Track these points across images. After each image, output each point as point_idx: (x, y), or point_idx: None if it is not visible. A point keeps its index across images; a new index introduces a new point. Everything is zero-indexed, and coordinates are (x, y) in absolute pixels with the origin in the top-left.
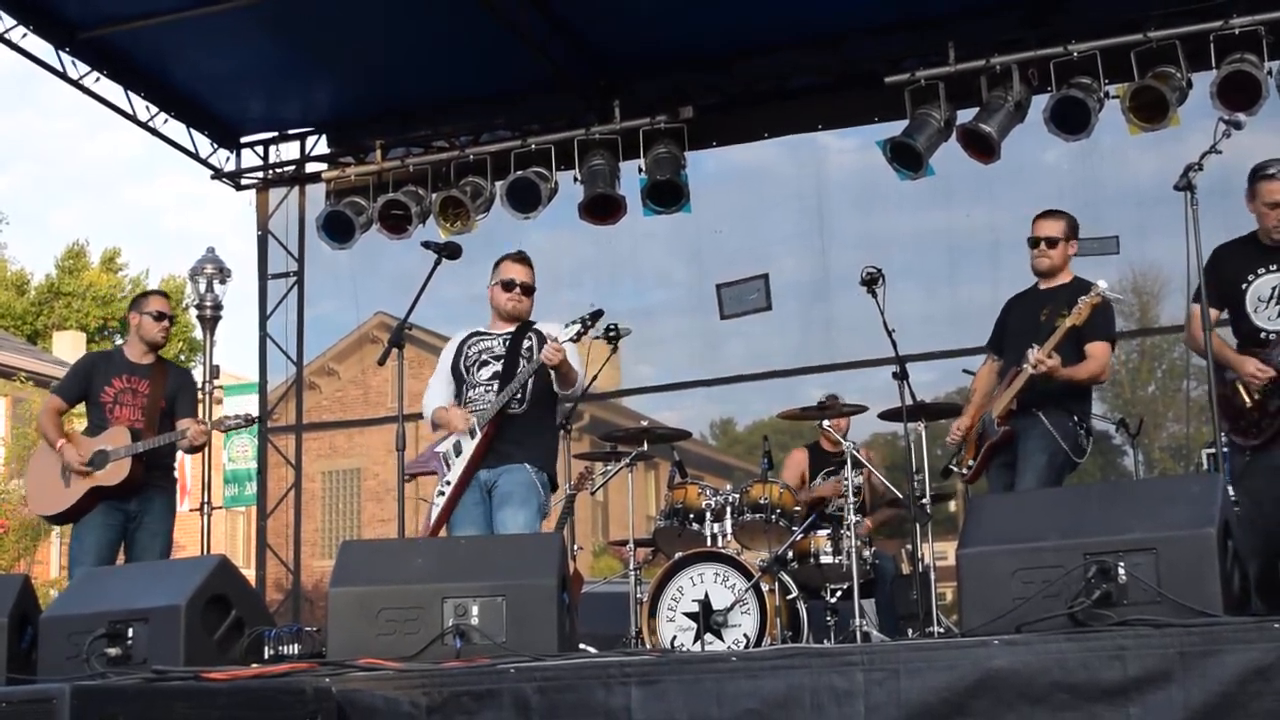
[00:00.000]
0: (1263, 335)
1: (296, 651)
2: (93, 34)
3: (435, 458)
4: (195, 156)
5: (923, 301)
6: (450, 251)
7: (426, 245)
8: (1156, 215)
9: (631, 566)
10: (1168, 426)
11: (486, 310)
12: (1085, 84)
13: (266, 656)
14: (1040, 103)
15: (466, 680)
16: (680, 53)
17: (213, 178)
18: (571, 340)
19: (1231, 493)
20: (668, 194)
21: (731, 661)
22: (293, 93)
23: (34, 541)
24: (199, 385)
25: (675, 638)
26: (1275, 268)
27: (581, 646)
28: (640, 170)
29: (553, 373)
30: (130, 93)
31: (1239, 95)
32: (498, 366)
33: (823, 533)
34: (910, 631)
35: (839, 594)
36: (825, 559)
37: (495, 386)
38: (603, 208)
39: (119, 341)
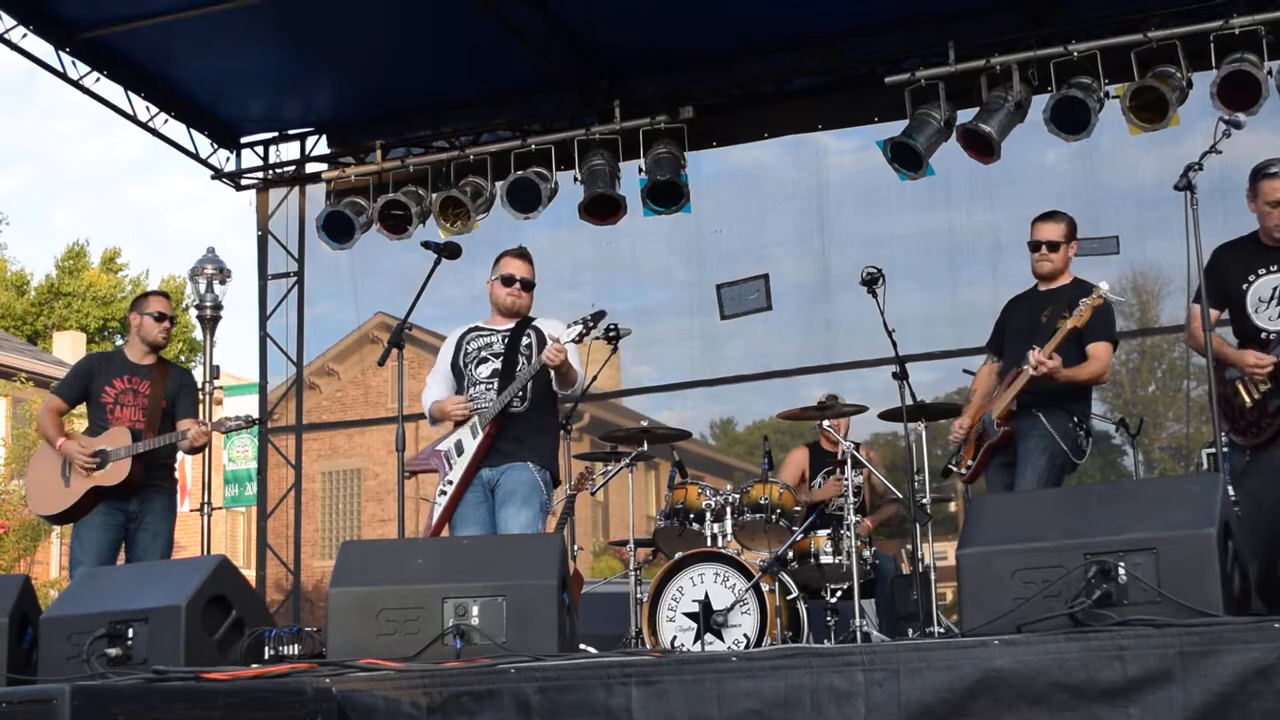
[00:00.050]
0: (1263, 335)
1: (296, 652)
2: (93, 34)
3: (436, 455)
4: (195, 157)
5: (923, 302)
6: (450, 251)
7: (426, 245)
8: (1156, 215)
9: (631, 567)
10: (1168, 426)
11: (487, 310)
12: (1085, 84)
13: (266, 657)
14: (1040, 103)
15: (467, 680)
16: (680, 53)
17: (213, 178)
18: (573, 341)
19: (1231, 493)
20: (668, 194)
21: (731, 662)
22: (293, 93)
23: (34, 541)
24: (199, 386)
25: (675, 638)
26: (1276, 268)
27: (581, 647)
28: (640, 170)
29: (553, 373)
30: (130, 93)
31: (1239, 95)
32: (497, 364)
33: (823, 533)
34: (910, 631)
35: (839, 594)
36: (825, 559)
37: (495, 385)
38: (603, 208)
39: (119, 342)
